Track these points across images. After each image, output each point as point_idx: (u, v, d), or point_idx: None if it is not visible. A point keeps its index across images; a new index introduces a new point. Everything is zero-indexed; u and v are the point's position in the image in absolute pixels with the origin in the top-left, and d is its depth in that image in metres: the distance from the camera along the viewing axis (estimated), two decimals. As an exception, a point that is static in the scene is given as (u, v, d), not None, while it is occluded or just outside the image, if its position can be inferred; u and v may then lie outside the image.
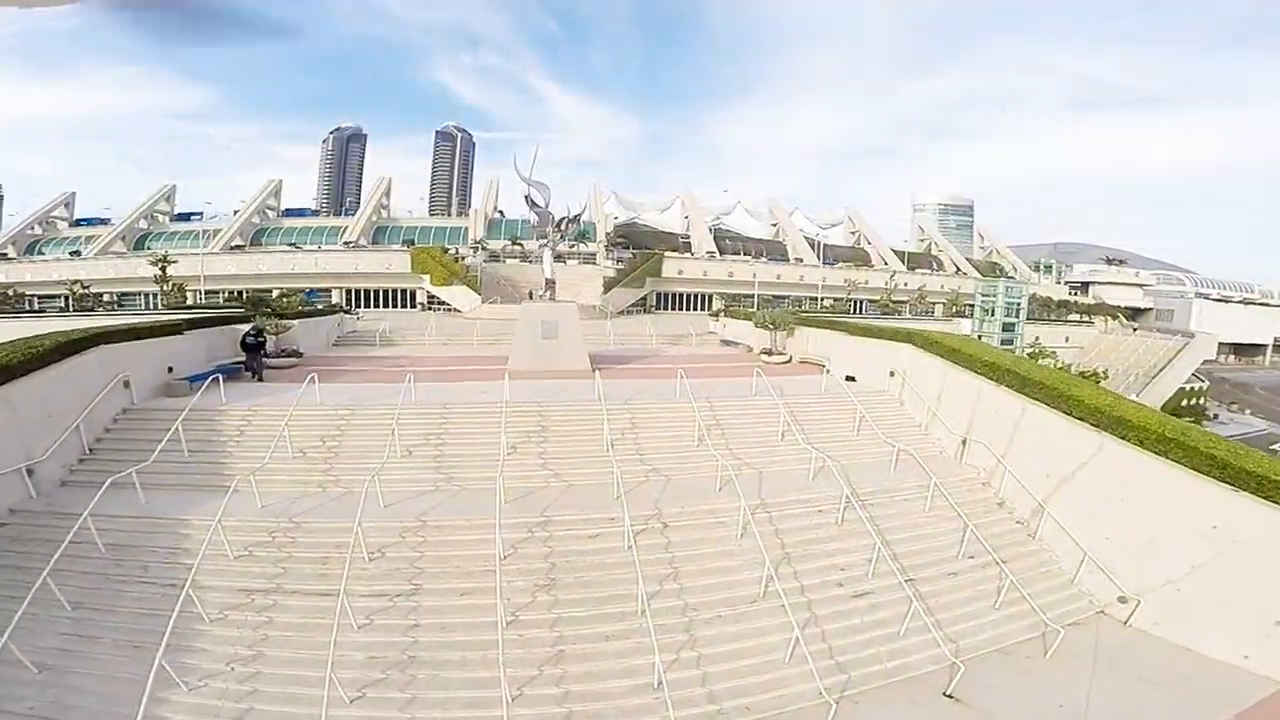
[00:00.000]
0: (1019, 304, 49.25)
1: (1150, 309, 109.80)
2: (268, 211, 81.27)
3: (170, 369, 16.78)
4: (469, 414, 15.14)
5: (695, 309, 64.69)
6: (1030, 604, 11.79)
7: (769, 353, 25.58)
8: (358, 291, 59.28)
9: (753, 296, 66.20)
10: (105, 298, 60.33)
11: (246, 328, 20.69)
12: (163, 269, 45.79)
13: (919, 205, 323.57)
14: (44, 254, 78.02)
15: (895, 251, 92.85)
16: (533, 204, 23.47)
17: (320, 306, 29.50)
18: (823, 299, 69.67)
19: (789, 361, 25.20)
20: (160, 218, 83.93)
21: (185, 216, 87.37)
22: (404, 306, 59.64)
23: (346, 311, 30.62)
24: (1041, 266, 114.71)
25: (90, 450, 14.39)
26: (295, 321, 24.86)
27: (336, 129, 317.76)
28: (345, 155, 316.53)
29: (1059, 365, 53.28)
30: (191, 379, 16.72)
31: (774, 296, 67.23)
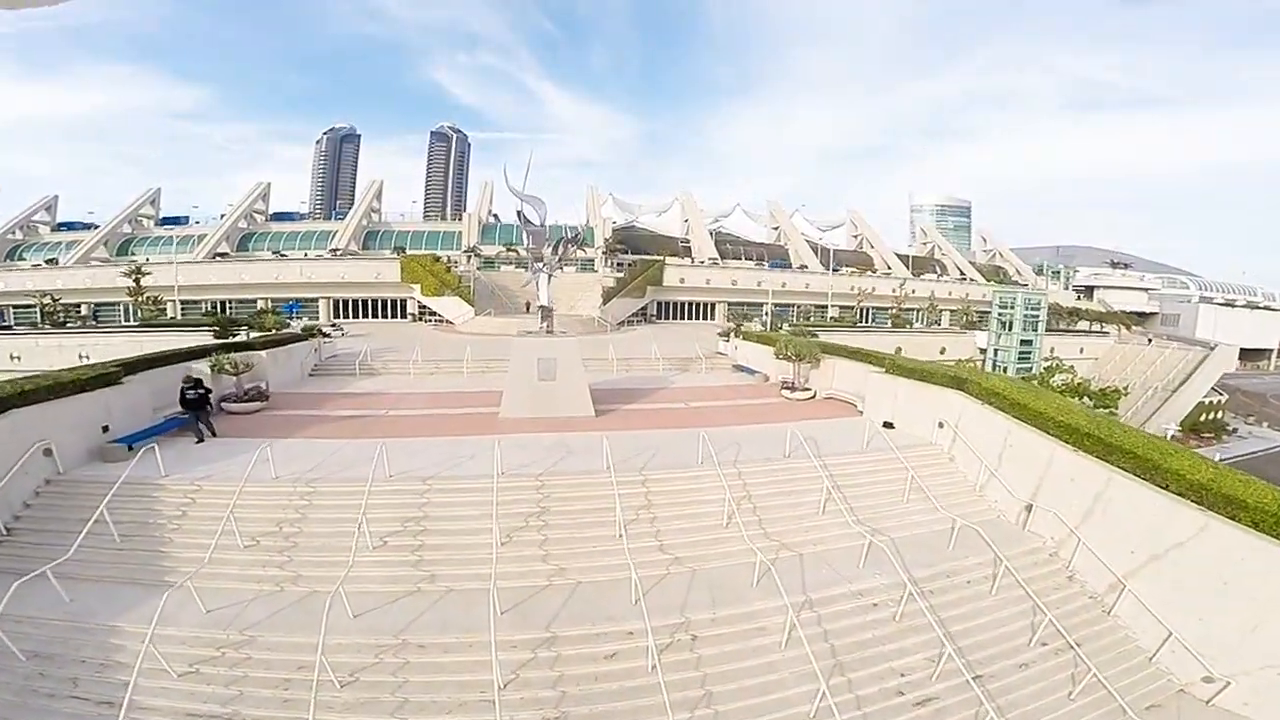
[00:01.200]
0: (1037, 316, 47.20)
1: (1155, 314, 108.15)
2: (255, 215, 78.61)
3: (105, 428, 14.33)
4: (454, 491, 12.76)
5: (698, 318, 62.56)
6: (1108, 688, 10.51)
7: (790, 387, 23.32)
8: (346, 301, 56.90)
9: (760, 305, 64.24)
10: (81, 309, 57.78)
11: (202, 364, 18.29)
12: (137, 280, 43.12)
13: (916, 206, 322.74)
14: (24, 259, 75.54)
15: (898, 255, 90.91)
16: (526, 221, 20.81)
17: (299, 329, 26.86)
18: (831, 307, 67.71)
19: (813, 397, 22.97)
20: (145, 222, 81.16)
21: (172, 220, 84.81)
22: (395, 317, 57.33)
23: (325, 335, 28.00)
24: (1048, 271, 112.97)
25: (6, 531, 12.10)
26: (263, 353, 22.46)
27: (330, 129, 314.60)
28: (339, 156, 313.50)
29: (1076, 380, 51.49)
30: (130, 440, 14.33)
31: (778, 305, 65.19)
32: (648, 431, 17.68)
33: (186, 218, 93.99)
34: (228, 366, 19.47)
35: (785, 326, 41.52)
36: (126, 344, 29.85)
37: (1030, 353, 47.44)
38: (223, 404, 20.32)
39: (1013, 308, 46.10)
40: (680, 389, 24.50)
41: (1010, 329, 46.33)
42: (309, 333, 27.41)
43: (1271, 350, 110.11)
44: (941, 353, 47.54)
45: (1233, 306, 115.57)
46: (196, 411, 15.89)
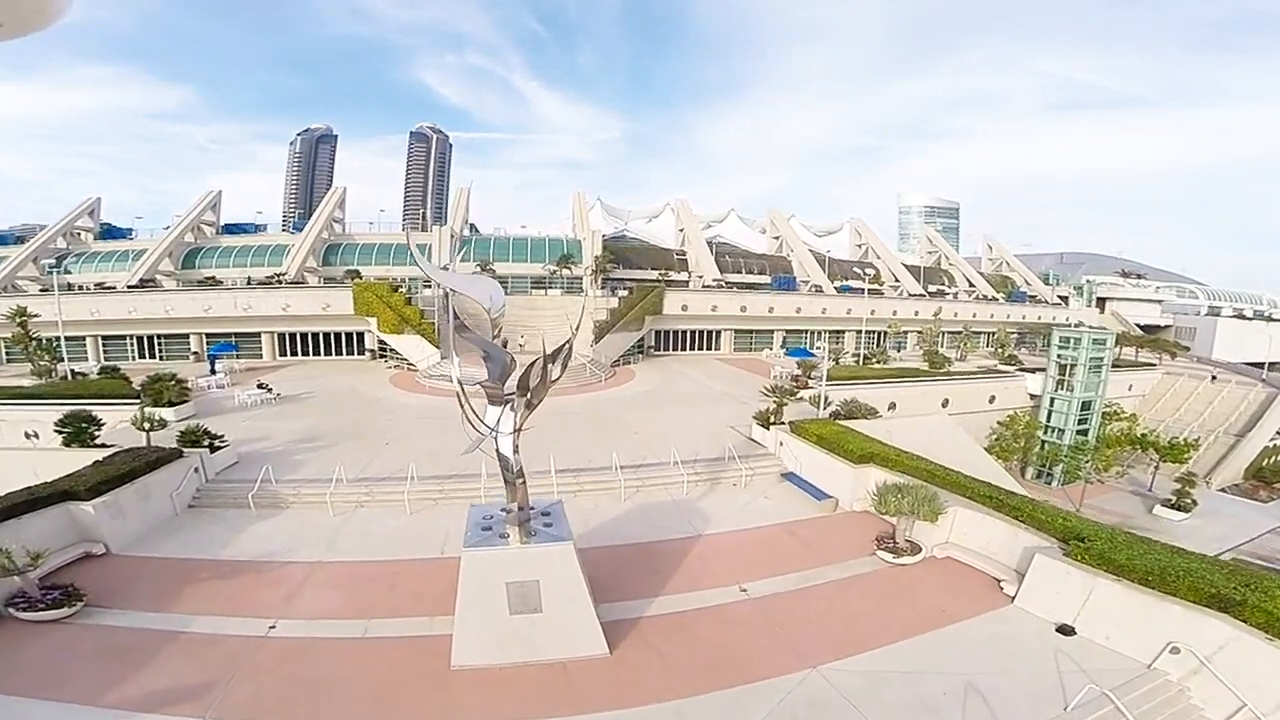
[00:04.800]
0: (1103, 358, 40.60)
1: (1169, 326, 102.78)
2: (204, 228, 70.03)
3: None
4: None
5: (701, 347, 55.41)
6: None
7: (892, 545, 16.16)
8: (292, 336, 48.89)
9: (770, 333, 57.29)
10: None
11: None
12: (23, 325, 34.76)
13: (905, 207, 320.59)
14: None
15: (906, 267, 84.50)
16: (461, 327, 11.40)
17: (171, 446, 18.65)
18: (847, 334, 60.92)
19: (922, 556, 15.93)
20: (84, 235, 72.19)
21: (113, 233, 75.94)
22: (352, 353, 49.51)
23: (213, 444, 19.77)
24: (1054, 280, 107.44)
25: None
26: (89, 506, 14.96)
27: (305, 130, 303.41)
28: (314, 157, 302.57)
29: (1137, 431, 45.16)
30: None
31: (789, 331, 58.31)
32: (707, 700, 10.49)
33: (130, 230, 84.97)
34: (4, 563, 11.89)
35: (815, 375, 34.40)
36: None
37: (1093, 399, 40.89)
38: (9, 609, 12.92)
39: (1076, 348, 39.47)
40: (724, 543, 17.11)
41: (1072, 373, 39.69)
42: (191, 438, 19.56)
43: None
44: (991, 401, 40.81)
45: (1243, 318, 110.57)
46: None
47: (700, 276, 66.96)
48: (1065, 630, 12.57)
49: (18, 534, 14.49)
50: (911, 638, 13.03)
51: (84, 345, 48.71)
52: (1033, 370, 44.31)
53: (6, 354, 48.91)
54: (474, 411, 10.57)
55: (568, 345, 10.57)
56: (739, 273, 73.04)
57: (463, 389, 10.33)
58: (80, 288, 62.01)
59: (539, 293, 59.78)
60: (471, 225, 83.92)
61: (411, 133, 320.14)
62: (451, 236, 65.55)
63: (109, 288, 56.74)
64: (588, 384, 36.19)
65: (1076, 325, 68.15)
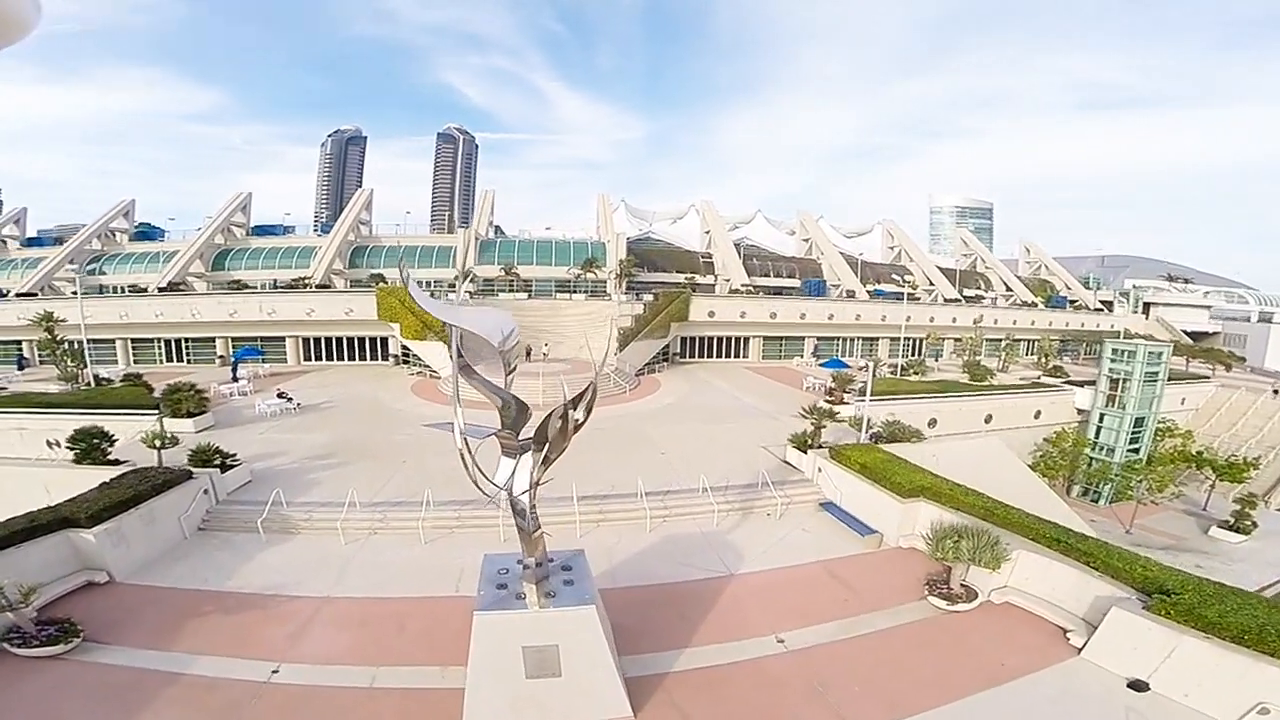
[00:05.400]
0: (1158, 373, 38.22)
1: (1217, 333, 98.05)
2: (234, 230, 70.55)
3: None
4: None
5: (728, 355, 53.86)
6: None
7: (945, 590, 14.71)
8: (316, 340, 48.67)
9: (800, 340, 55.52)
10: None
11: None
12: (50, 330, 34.81)
13: (936, 208, 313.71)
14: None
15: (941, 270, 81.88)
16: (465, 370, 9.79)
17: (181, 467, 17.90)
18: (882, 340, 58.86)
19: (978, 603, 14.50)
20: (118, 236, 73.34)
21: (149, 234, 77.24)
22: (376, 358, 49.12)
23: (225, 464, 18.96)
24: (1101, 286, 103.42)
25: None
26: (90, 535, 14.29)
27: (335, 132, 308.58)
28: (344, 159, 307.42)
29: (1193, 447, 42.56)
30: None
31: (820, 339, 56.51)
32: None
33: (163, 230, 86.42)
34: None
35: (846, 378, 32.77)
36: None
37: (1146, 416, 38.54)
38: (4, 644, 12.27)
39: (1130, 362, 37.20)
40: (758, 584, 15.78)
41: (1125, 389, 37.42)
42: (203, 457, 18.87)
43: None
44: (1036, 417, 38.70)
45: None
46: None
47: (728, 280, 65.48)
48: (1138, 686, 11.14)
49: (16, 564, 13.89)
50: (968, 696, 11.78)
51: (113, 348, 49.14)
52: (1081, 383, 42.03)
53: (39, 357, 49.69)
54: (479, 469, 9.32)
55: (591, 388, 9.34)
56: (767, 276, 71.41)
57: (467, 444, 9.16)
58: (114, 289, 62.98)
59: (563, 297, 58.94)
60: (496, 227, 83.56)
61: (439, 134, 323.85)
62: (477, 238, 65.18)
63: (140, 290, 57.31)
64: (612, 395, 35.06)
65: (1124, 334, 65.26)
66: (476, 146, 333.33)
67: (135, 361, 49.20)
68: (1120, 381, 37.76)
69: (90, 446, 18.69)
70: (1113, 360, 38.03)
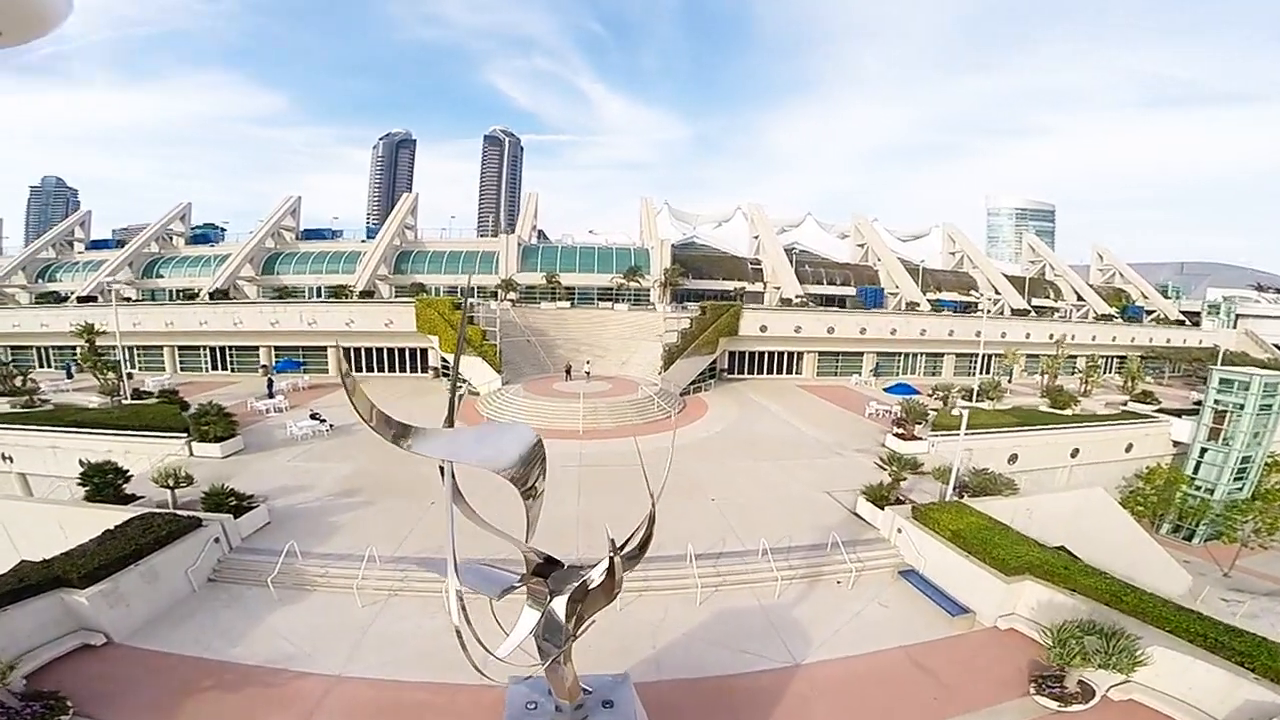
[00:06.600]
0: (1272, 405, 33.83)
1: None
2: (284, 233, 71.12)
3: None
4: None
5: (780, 371, 50.85)
6: None
7: (1059, 692, 12.07)
8: (356, 351, 47.97)
9: (859, 355, 52.06)
10: (51, 361, 50.32)
11: None
12: (91, 342, 34.67)
13: (994, 209, 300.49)
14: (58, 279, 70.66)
15: (1008, 277, 76.74)
16: (460, 500, 7.24)
17: (189, 514, 16.31)
18: (946, 356, 54.92)
19: (1096, 701, 11.85)
20: (175, 240, 74.95)
21: (204, 236, 78.94)
22: (415, 370, 48.14)
23: (239, 507, 17.39)
24: (1181, 296, 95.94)
25: None
26: (83, 597, 12.94)
27: (386, 134, 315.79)
28: (395, 161, 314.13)
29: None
30: None
31: (881, 354, 52.99)
32: None
33: (223, 230, 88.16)
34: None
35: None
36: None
37: (1249, 468, 34.19)
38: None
39: (1241, 393, 32.94)
40: (829, 676, 13.28)
41: (1234, 423, 33.17)
42: (216, 500, 17.42)
43: None
44: (1128, 450, 34.70)
45: None
46: None
47: (778, 289, 62.43)
48: None
49: (4, 629, 12.62)
50: None
51: (161, 355, 49.58)
52: (1177, 412, 37.69)
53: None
54: (479, 642, 6.84)
55: (647, 526, 7.10)
56: (820, 283, 68.05)
57: (465, 613, 6.91)
58: (170, 292, 64.14)
59: (606, 306, 57.05)
60: (540, 232, 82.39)
61: (485, 136, 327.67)
62: (520, 244, 63.88)
63: (192, 294, 57.94)
64: (654, 420, 32.72)
65: (1222, 356, 59.45)
66: (521, 149, 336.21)
67: (182, 368, 49.51)
68: (1228, 414, 33.51)
69: (103, 484, 17.49)
70: (1220, 391, 33.77)
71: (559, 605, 7.12)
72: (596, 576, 7.12)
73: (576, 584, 7.13)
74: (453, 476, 6.73)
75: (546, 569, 7.46)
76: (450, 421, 7.03)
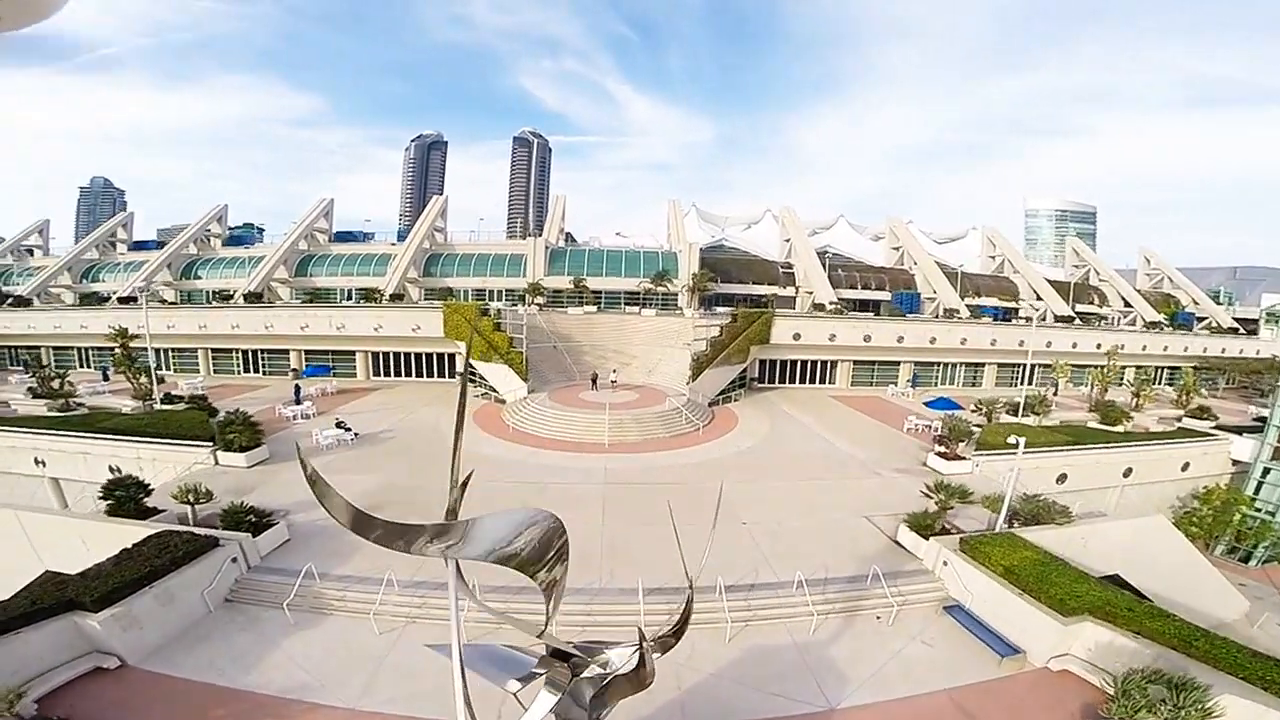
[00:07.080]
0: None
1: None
2: (318, 235, 71.95)
3: None
4: None
5: (812, 380, 49.45)
6: None
7: None
8: (385, 355, 48.08)
9: (895, 364, 50.36)
10: (91, 361, 51.38)
11: None
12: (124, 347, 35.15)
13: (1031, 210, 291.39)
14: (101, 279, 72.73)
15: (1050, 282, 73.87)
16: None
17: (205, 533, 16.00)
18: (987, 365, 52.80)
19: None
20: (212, 241, 76.47)
21: (240, 238, 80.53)
22: (443, 375, 48.01)
23: (258, 525, 17.05)
24: (1235, 302, 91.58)
25: None
26: (97, 621, 12.67)
27: (418, 136, 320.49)
28: (427, 162, 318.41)
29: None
30: None
31: (917, 364, 51.21)
32: None
33: (262, 230, 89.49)
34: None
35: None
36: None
37: (1329, 477, 31.88)
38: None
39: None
40: (870, 727, 12.46)
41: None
42: (235, 518, 17.12)
43: None
44: (1184, 469, 32.70)
45: None
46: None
47: (810, 294, 61.00)
48: None
49: (15, 651, 12.37)
50: None
51: (196, 358, 50.35)
52: (1239, 429, 35.46)
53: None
54: None
55: (684, 617, 6.33)
56: (854, 288, 66.35)
57: (469, 705, 6.22)
58: (206, 293, 65.29)
59: (633, 311, 56.23)
60: (568, 235, 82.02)
61: (514, 138, 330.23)
62: (547, 247, 63.52)
63: (227, 295, 58.86)
64: (681, 434, 31.76)
65: (1277, 361, 56.23)
66: (550, 150, 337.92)
67: (215, 371, 50.22)
68: (1300, 431, 31.34)
69: (124, 497, 17.32)
70: (1288, 406, 31.61)
71: (579, 693, 6.37)
72: (622, 663, 6.33)
73: (600, 670, 6.36)
74: (457, 568, 5.99)
75: (567, 653, 6.70)
76: (456, 451, 6.31)
